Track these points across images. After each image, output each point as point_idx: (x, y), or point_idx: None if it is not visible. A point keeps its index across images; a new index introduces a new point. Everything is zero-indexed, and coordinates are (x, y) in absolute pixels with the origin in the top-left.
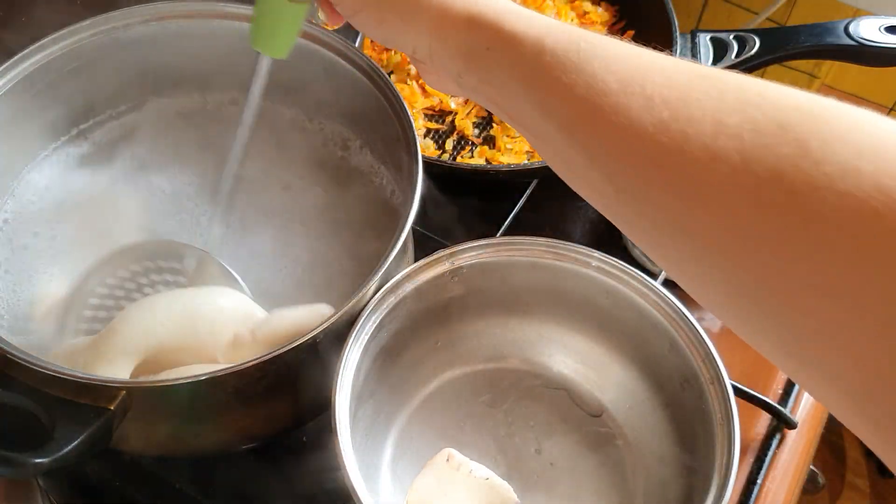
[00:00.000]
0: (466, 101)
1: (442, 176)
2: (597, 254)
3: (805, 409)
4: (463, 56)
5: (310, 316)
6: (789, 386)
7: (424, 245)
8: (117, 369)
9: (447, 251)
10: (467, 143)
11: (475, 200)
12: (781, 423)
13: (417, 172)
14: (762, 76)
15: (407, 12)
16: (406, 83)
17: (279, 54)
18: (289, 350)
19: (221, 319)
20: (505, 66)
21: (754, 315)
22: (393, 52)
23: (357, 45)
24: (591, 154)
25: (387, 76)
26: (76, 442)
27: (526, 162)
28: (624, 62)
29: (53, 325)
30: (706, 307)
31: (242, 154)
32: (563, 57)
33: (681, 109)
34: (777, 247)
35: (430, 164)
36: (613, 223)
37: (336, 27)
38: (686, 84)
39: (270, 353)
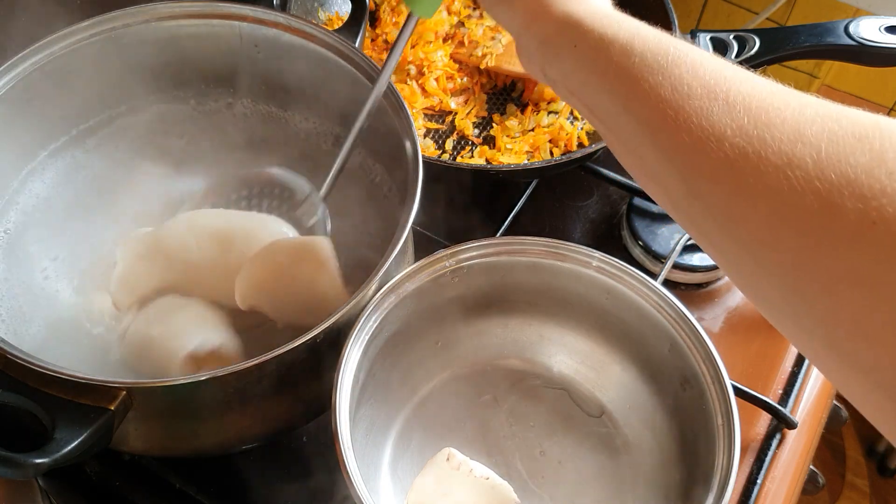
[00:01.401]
0: (466, 101)
1: (442, 176)
2: (597, 254)
3: (805, 409)
4: (549, 48)
5: (313, 241)
6: (789, 386)
7: (424, 245)
8: (152, 273)
9: (447, 251)
10: (467, 143)
11: (475, 200)
12: (781, 423)
13: (417, 172)
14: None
15: None
16: (406, 83)
17: (428, 13)
18: (289, 350)
19: (254, 248)
20: (589, 63)
21: (804, 311)
22: None
23: (357, 45)
24: (668, 153)
25: None
26: (76, 442)
27: (526, 162)
28: (709, 70)
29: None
30: (755, 301)
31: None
32: (652, 59)
33: (761, 117)
34: (838, 246)
35: (430, 164)
36: (675, 218)
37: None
38: (767, 95)
39: (270, 354)
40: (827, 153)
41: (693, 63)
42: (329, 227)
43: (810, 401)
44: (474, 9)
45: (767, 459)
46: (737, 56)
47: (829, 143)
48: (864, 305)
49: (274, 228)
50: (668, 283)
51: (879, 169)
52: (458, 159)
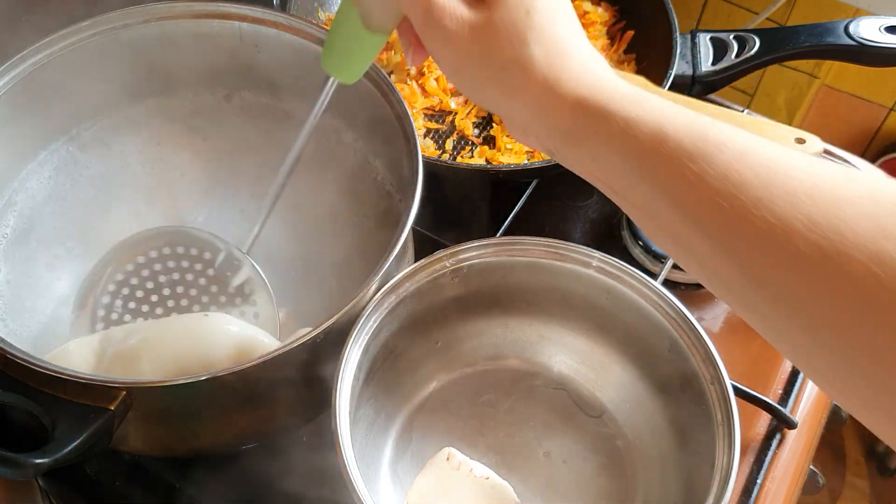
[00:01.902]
0: (466, 101)
1: (442, 176)
2: (597, 254)
3: (805, 409)
4: (563, 135)
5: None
6: (789, 386)
7: (424, 245)
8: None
9: (447, 251)
10: (467, 143)
11: (475, 200)
12: (781, 423)
13: (417, 172)
14: (762, 76)
15: (509, 85)
16: (406, 83)
17: (350, 80)
18: (289, 350)
19: (224, 347)
20: (615, 149)
21: (869, 394)
22: (393, 53)
23: None
24: (725, 246)
25: (387, 76)
26: (76, 442)
27: (526, 162)
28: (757, 154)
29: (72, 314)
30: (824, 388)
31: (292, 168)
32: (690, 145)
33: (831, 208)
34: None
35: (430, 164)
36: (727, 301)
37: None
38: (831, 183)
39: (270, 354)
40: None
41: (735, 147)
42: (264, 278)
43: (810, 401)
44: None
45: (767, 459)
46: (737, 56)
47: None
48: None
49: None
50: (668, 283)
51: None
52: (458, 159)
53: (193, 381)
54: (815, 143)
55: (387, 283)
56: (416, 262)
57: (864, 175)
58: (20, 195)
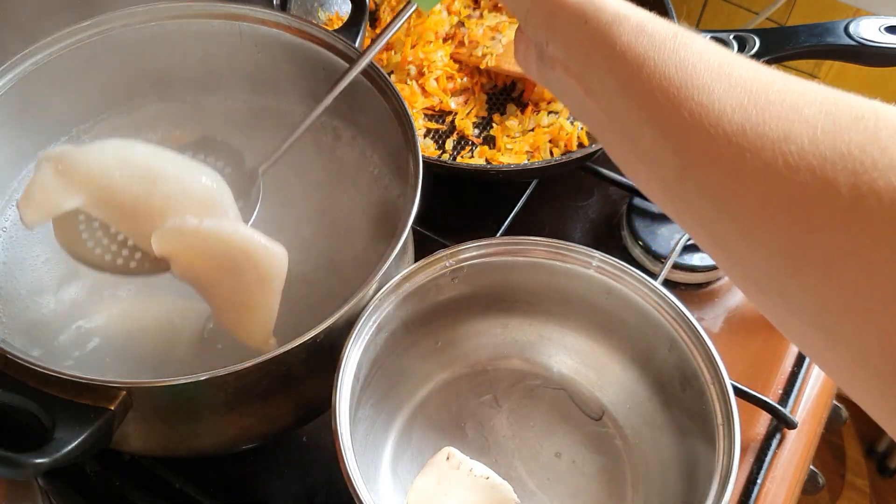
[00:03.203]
0: (466, 101)
1: (442, 176)
2: (597, 254)
3: (805, 409)
4: (557, 23)
5: (263, 250)
6: (789, 386)
7: (424, 245)
8: (66, 193)
9: (447, 251)
10: (467, 143)
11: (475, 200)
12: (781, 423)
13: (417, 172)
14: None
15: None
16: (406, 83)
17: (425, 6)
18: (289, 350)
19: (183, 196)
20: (598, 40)
21: (794, 290)
22: (393, 52)
23: (357, 45)
24: (665, 132)
25: (387, 76)
26: (76, 442)
27: (526, 162)
28: (716, 55)
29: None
30: (744, 286)
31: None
32: (660, 40)
33: (761, 97)
34: (830, 221)
35: (430, 164)
36: (662, 204)
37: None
38: (769, 79)
39: (270, 354)
40: (823, 131)
41: (700, 48)
42: (259, 201)
43: (810, 401)
44: (474, 9)
45: (767, 459)
46: None
47: (825, 122)
48: (853, 281)
49: (206, 183)
50: (668, 283)
51: (872, 145)
52: (458, 159)
53: (193, 381)
54: None
55: (387, 283)
56: (416, 262)
57: (803, 80)
58: (20, 194)
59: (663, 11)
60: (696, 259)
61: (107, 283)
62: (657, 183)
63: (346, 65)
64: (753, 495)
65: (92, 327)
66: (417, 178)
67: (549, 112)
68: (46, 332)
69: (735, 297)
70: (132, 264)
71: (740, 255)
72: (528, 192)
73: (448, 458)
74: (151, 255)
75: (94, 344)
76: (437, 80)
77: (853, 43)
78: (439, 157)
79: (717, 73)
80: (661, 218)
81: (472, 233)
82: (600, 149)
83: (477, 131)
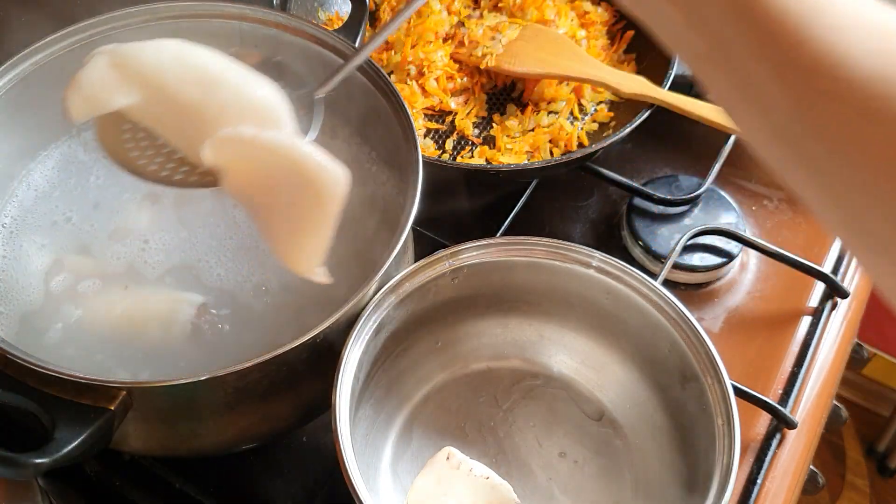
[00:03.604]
0: (466, 101)
1: (442, 176)
2: (597, 254)
3: (805, 409)
4: None
5: (324, 168)
6: (789, 386)
7: (424, 245)
8: (118, 88)
9: (447, 251)
10: (467, 143)
11: (475, 200)
12: (781, 423)
13: (417, 172)
14: None
15: None
16: (406, 83)
17: None
18: (289, 350)
19: (240, 105)
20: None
21: (842, 192)
22: (393, 53)
23: (357, 45)
24: (781, 68)
25: (387, 76)
26: (76, 442)
27: (526, 162)
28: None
29: None
30: (851, 244)
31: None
32: None
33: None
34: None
35: (430, 164)
36: (764, 148)
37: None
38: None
39: (270, 353)
40: None
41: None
42: (318, 129)
43: (810, 401)
44: (474, 9)
45: (767, 459)
46: None
47: None
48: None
49: (266, 94)
50: (668, 283)
51: None
52: (458, 159)
53: (193, 381)
54: None
55: (387, 283)
56: (416, 262)
57: None
58: (21, 194)
59: None
60: (696, 259)
61: (100, 276)
62: (765, 124)
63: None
64: (753, 495)
65: (84, 322)
66: (417, 178)
67: (549, 112)
68: (40, 326)
69: (735, 297)
70: (177, 176)
71: (856, 211)
72: (528, 192)
73: (448, 458)
74: (200, 168)
75: (86, 338)
76: (437, 80)
77: None
78: (439, 157)
79: (846, 11)
80: (662, 218)
81: (472, 233)
82: (600, 149)
83: (477, 131)
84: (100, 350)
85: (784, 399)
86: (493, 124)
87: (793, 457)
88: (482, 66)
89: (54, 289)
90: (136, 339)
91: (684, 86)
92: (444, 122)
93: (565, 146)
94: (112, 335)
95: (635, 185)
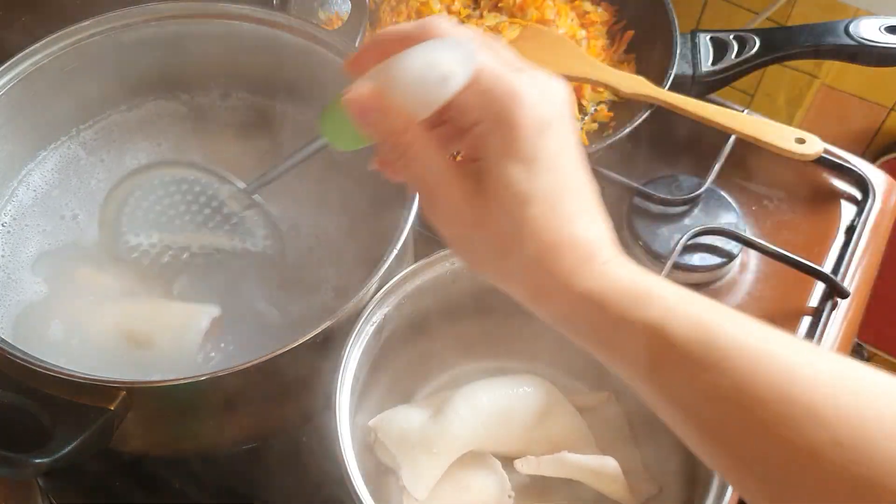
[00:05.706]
0: None
1: None
2: None
3: None
4: (561, 319)
5: None
6: None
7: (424, 245)
8: (439, 463)
9: (447, 251)
10: None
11: None
12: None
13: None
14: (762, 76)
15: (504, 271)
16: None
17: (344, 147)
18: (289, 350)
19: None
20: (614, 345)
21: None
22: None
23: (357, 45)
24: (746, 461)
25: None
26: (76, 442)
27: None
28: (774, 361)
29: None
30: None
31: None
32: (699, 351)
33: (856, 429)
34: None
35: None
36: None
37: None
38: (853, 395)
39: (271, 353)
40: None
41: (750, 354)
42: (270, 219)
43: None
44: (474, 9)
45: None
46: (736, 56)
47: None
48: None
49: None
50: None
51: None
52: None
53: (193, 381)
54: (815, 143)
55: (387, 283)
56: (416, 262)
57: (884, 380)
58: (21, 193)
59: (663, 12)
60: (696, 259)
61: (100, 277)
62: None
63: None
64: None
65: (85, 323)
66: None
67: None
68: (40, 326)
69: (735, 297)
70: None
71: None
72: None
73: None
74: None
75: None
76: None
77: (853, 43)
78: None
79: (788, 395)
80: (661, 218)
81: None
82: (600, 149)
83: None
84: (99, 352)
85: None
86: None
87: None
88: None
89: (54, 289)
90: (144, 345)
91: (684, 86)
92: None
93: None
94: (113, 337)
95: (635, 185)
